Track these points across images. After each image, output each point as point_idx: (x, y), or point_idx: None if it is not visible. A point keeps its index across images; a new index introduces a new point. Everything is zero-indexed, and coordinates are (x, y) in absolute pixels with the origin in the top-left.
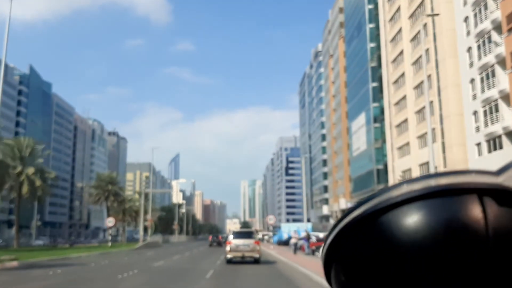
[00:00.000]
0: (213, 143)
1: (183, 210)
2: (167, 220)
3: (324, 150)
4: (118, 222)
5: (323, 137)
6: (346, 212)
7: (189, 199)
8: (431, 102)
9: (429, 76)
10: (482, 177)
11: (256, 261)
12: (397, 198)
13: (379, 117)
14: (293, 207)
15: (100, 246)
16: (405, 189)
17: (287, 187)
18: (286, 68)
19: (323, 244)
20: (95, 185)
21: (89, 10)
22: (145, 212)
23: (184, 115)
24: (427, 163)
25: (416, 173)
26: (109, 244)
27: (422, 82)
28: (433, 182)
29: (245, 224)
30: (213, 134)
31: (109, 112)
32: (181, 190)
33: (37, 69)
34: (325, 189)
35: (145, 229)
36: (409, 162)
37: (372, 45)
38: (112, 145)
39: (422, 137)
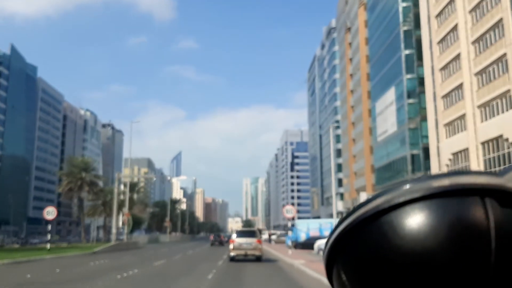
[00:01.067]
0: (215, 141)
1: (183, 206)
2: (161, 217)
3: (338, 138)
4: (97, 217)
5: (337, 124)
6: (349, 212)
7: (190, 197)
8: (504, 55)
9: (499, 21)
10: (485, 178)
11: (258, 259)
12: (399, 199)
13: (414, 90)
14: (299, 204)
15: (40, 248)
16: (408, 189)
17: (292, 184)
18: (290, 66)
19: (325, 244)
20: (65, 172)
21: (92, 6)
22: (130, 206)
23: (187, 113)
24: (497, 139)
25: (476, 153)
26: (48, 246)
27: (487, 32)
28: (435, 183)
29: (247, 223)
30: (216, 133)
31: (112, 110)
32: (182, 188)
33: (38, 66)
34: (340, 182)
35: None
36: (464, 140)
37: (405, 4)
38: (106, 138)
39: (487, 105)
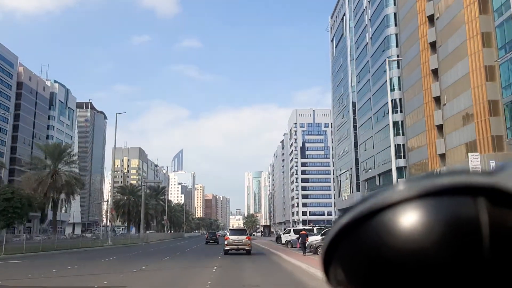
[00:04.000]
0: (218, 140)
1: (178, 199)
2: (129, 207)
3: (392, 85)
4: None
5: (390, 64)
6: (345, 211)
7: (188, 193)
8: None
9: None
10: (478, 177)
11: (247, 252)
12: (393, 198)
13: None
14: (311, 197)
15: None
16: (401, 188)
17: (303, 173)
18: (292, 65)
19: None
20: None
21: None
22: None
23: (190, 112)
24: None
25: None
26: None
27: None
28: (428, 182)
29: (249, 218)
30: (219, 132)
31: (115, 109)
32: (179, 183)
33: (40, 63)
34: (398, 151)
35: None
36: None
37: None
38: (84, 119)
39: None
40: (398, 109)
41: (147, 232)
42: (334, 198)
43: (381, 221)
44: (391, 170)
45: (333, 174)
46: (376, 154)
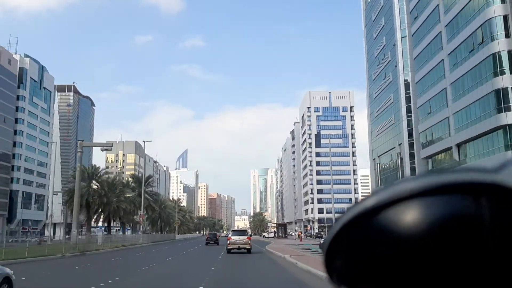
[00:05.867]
0: (223, 141)
1: (180, 198)
2: (100, 197)
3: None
4: None
5: None
6: (347, 210)
7: (191, 192)
8: None
9: None
10: (480, 175)
11: (248, 251)
12: (395, 196)
13: None
14: (322, 191)
15: None
16: (403, 186)
17: (318, 164)
18: (297, 64)
19: (325, 238)
20: None
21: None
22: None
23: (194, 113)
24: None
25: None
26: None
27: None
28: (431, 180)
29: (256, 216)
30: (223, 132)
31: (119, 110)
32: (181, 182)
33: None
34: (505, 100)
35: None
36: None
37: None
38: (66, 104)
39: None
40: (499, 33)
41: (105, 234)
42: (356, 193)
43: (384, 218)
44: (483, 134)
45: (353, 165)
46: (453, 113)
